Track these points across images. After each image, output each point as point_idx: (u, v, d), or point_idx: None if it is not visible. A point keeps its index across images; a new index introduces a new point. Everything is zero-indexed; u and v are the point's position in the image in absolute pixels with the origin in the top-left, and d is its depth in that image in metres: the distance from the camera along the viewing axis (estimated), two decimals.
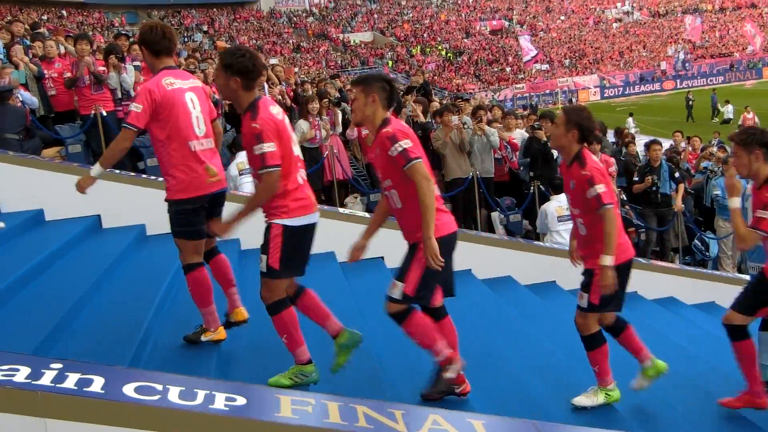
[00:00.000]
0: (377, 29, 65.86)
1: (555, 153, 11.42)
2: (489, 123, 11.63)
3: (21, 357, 3.33)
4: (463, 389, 4.76)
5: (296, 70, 33.82)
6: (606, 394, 5.03)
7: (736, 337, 5.06)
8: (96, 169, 4.86)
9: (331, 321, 4.68)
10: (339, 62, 55.41)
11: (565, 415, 4.93)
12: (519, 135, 11.76)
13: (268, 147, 4.23)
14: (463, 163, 10.74)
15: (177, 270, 5.82)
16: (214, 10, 63.05)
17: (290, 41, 59.55)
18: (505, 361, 5.79)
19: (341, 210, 9.06)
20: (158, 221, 5.99)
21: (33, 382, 2.99)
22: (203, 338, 5.07)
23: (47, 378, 3.05)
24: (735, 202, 5.06)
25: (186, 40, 50.54)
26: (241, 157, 9.23)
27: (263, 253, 4.40)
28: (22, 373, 3.05)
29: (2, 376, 3.00)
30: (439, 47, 63.27)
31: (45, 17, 43.36)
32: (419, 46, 62.75)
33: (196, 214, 4.84)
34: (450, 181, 10.80)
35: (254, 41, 56.62)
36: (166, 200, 4.86)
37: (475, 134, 10.96)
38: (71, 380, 3.07)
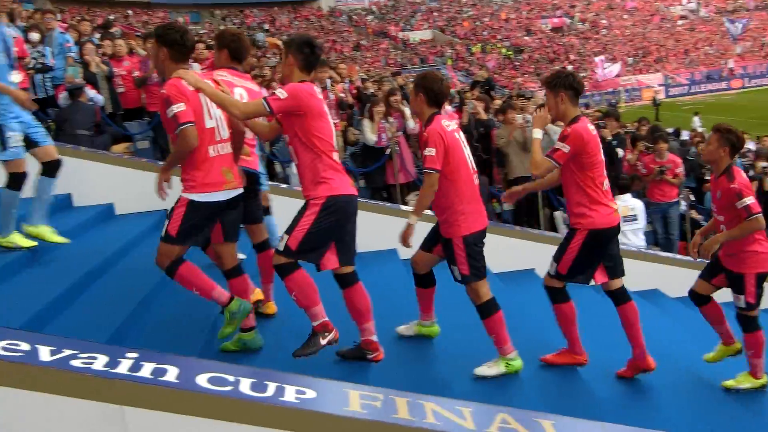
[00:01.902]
0: (437, 27, 65.62)
1: (620, 152, 11.25)
2: (553, 121, 11.44)
3: (98, 346, 3.42)
4: (376, 356, 4.90)
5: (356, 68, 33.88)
6: (507, 363, 5.11)
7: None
8: None
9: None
10: (399, 60, 55.37)
11: (633, 418, 4.85)
12: None
13: (177, 108, 4.38)
14: (526, 162, 10.59)
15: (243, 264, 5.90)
16: (275, 8, 63.64)
17: (350, 39, 59.77)
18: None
19: (403, 207, 9.05)
20: None
21: (111, 371, 3.08)
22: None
23: (124, 366, 3.13)
24: (537, 133, 5.35)
25: None
26: None
27: (167, 217, 4.59)
28: (100, 361, 3.14)
29: (81, 363, 3.08)
30: (499, 45, 62.77)
31: (112, 17, 44.32)
32: (479, 44, 62.33)
33: None
34: (513, 179, 10.71)
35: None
36: None
37: None
38: (147, 369, 3.15)
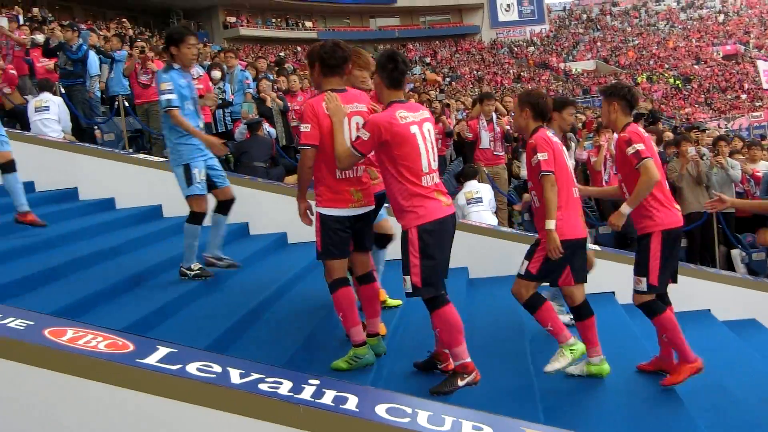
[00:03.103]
0: (600, 57, 64.28)
1: None
2: (731, 154, 10.91)
3: (282, 371, 3.56)
4: (445, 366, 4.91)
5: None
6: (570, 350, 5.15)
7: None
8: None
9: (376, 320, 5.09)
10: (560, 91, 54.57)
11: None
12: (764, 167, 10.96)
13: (304, 128, 4.62)
14: (701, 197, 10.18)
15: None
16: (437, 42, 64.60)
17: (511, 71, 59.63)
18: (747, 408, 5.37)
19: None
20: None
21: (295, 396, 3.18)
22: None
23: (307, 393, 3.23)
24: (625, 210, 5.31)
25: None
26: (469, 186, 9.35)
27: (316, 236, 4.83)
28: (285, 386, 3.26)
29: (268, 387, 3.22)
30: (667, 74, 60.56)
31: (282, 54, 46.49)
32: (645, 74, 60.41)
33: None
34: (687, 215, 10.25)
35: (475, 72, 57.33)
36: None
37: (713, 167, 10.40)
38: (328, 396, 3.23)
